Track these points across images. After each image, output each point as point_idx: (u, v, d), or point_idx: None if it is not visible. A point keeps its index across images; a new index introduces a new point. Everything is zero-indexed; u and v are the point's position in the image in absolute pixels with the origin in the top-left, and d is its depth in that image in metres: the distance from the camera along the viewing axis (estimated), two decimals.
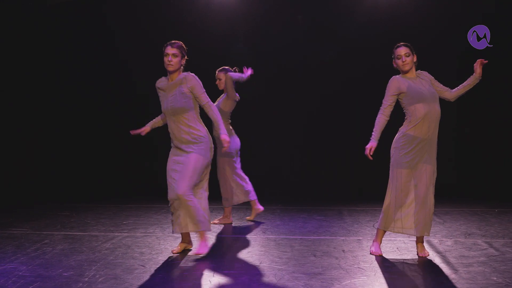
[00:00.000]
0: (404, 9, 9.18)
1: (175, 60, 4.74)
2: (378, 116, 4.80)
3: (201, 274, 4.21)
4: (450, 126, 9.58)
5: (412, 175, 4.69)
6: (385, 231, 4.85)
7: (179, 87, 4.76)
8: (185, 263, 4.57)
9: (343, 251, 4.99)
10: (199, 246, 4.84)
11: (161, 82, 4.91)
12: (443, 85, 4.87)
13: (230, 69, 6.41)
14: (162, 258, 4.72)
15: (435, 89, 4.80)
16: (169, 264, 4.54)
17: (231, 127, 6.42)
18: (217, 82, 6.43)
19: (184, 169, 4.69)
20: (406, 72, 4.79)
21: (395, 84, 4.75)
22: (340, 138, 9.62)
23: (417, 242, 4.85)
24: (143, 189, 9.35)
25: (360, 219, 6.63)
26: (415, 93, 4.68)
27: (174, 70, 4.78)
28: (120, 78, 9.91)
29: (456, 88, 4.83)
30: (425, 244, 5.19)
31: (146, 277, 4.13)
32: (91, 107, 10.03)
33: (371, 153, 4.74)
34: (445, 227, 6.11)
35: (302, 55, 9.56)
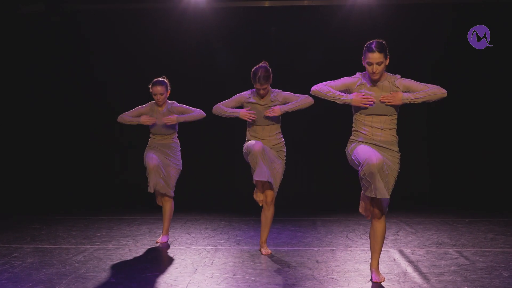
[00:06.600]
0: (376, 19, 9.32)
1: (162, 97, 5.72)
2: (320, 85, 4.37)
3: (174, 287, 4.17)
4: (421, 134, 9.75)
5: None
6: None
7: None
8: (157, 275, 4.52)
9: (317, 261, 5.01)
10: None
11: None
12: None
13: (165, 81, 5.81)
14: (134, 271, 4.67)
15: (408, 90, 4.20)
16: (141, 276, 4.49)
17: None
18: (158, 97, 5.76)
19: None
20: (375, 81, 4.30)
21: (350, 79, 4.36)
22: (313, 149, 9.67)
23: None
24: (115, 201, 9.23)
25: (333, 230, 6.65)
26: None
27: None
28: (91, 89, 9.82)
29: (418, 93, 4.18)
30: (397, 255, 5.25)
31: None
32: (60, 118, 9.93)
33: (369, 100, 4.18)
34: (417, 237, 6.17)
35: (276, 64, 9.60)
